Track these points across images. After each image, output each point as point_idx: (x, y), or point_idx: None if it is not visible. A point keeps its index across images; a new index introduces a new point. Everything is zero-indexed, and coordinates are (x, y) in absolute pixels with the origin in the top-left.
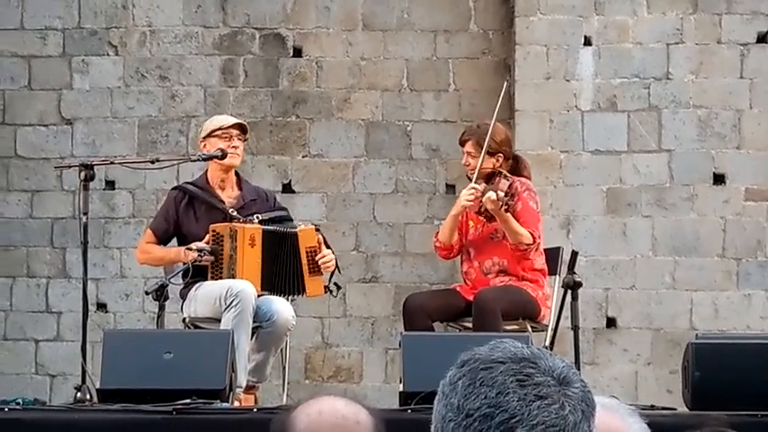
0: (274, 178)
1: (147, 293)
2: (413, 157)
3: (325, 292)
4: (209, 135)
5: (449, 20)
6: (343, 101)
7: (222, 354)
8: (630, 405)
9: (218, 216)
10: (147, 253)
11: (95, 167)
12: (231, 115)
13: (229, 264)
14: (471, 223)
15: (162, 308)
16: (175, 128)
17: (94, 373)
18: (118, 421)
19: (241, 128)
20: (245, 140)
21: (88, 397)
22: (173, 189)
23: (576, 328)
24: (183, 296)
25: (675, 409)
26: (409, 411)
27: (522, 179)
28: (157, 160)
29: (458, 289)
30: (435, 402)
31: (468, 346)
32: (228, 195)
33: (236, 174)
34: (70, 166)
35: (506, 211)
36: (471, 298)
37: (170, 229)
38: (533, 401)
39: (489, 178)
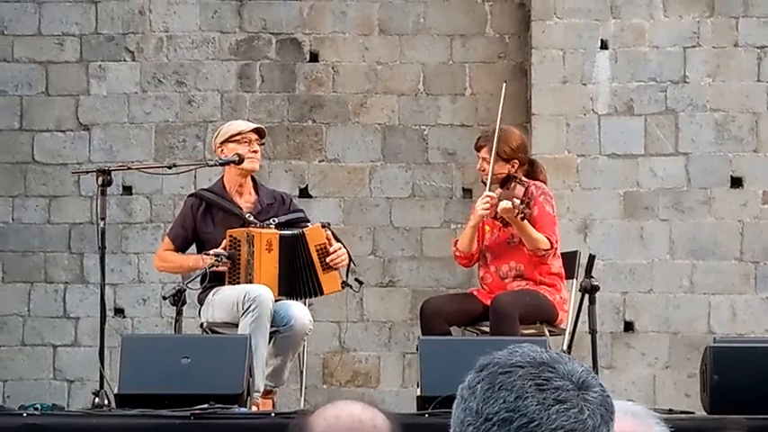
0: (291, 183)
1: (164, 298)
2: (429, 162)
3: (344, 288)
4: (228, 140)
5: (465, 24)
6: (360, 105)
7: (240, 358)
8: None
9: (236, 222)
10: (165, 261)
11: (113, 173)
12: (248, 120)
13: (247, 269)
14: (487, 228)
15: (179, 313)
16: (192, 133)
17: (112, 378)
18: (136, 426)
19: (259, 132)
20: (262, 144)
21: (106, 402)
22: (189, 196)
23: (593, 332)
24: (201, 301)
25: (694, 413)
26: (427, 416)
27: (538, 183)
28: (174, 165)
29: (475, 293)
30: (454, 407)
31: (486, 350)
32: (246, 200)
33: (253, 178)
34: (88, 172)
35: (522, 219)
36: (488, 302)
37: (188, 237)
38: (552, 406)
39: (504, 183)
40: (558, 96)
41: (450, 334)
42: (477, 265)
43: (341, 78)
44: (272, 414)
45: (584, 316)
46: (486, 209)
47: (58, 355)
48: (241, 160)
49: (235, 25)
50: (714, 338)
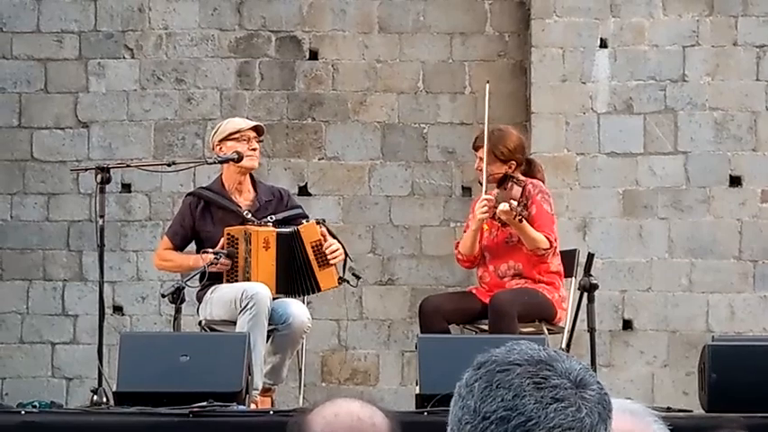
0: (290, 181)
1: (163, 296)
2: (429, 160)
3: (340, 283)
4: (226, 138)
5: (465, 22)
6: (359, 103)
7: (238, 356)
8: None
9: (235, 220)
10: (165, 260)
11: (112, 170)
12: (247, 118)
13: (244, 267)
14: (486, 227)
15: (178, 310)
16: (191, 131)
17: (111, 375)
18: (134, 424)
19: (257, 130)
20: (260, 142)
21: (105, 400)
22: (187, 195)
23: (592, 330)
24: (199, 299)
25: (692, 411)
26: (426, 414)
27: (535, 181)
28: (174, 163)
29: (474, 291)
30: (452, 405)
31: (485, 348)
32: (245, 198)
33: (251, 175)
34: (86, 169)
35: (520, 221)
36: (487, 300)
37: (187, 235)
38: (550, 404)
39: (501, 183)
40: (557, 95)
41: (449, 332)
42: None
43: (340, 76)
44: (271, 412)
45: (582, 314)
46: (485, 212)
47: (56, 353)
48: (240, 158)
49: (234, 23)
50: (712, 337)
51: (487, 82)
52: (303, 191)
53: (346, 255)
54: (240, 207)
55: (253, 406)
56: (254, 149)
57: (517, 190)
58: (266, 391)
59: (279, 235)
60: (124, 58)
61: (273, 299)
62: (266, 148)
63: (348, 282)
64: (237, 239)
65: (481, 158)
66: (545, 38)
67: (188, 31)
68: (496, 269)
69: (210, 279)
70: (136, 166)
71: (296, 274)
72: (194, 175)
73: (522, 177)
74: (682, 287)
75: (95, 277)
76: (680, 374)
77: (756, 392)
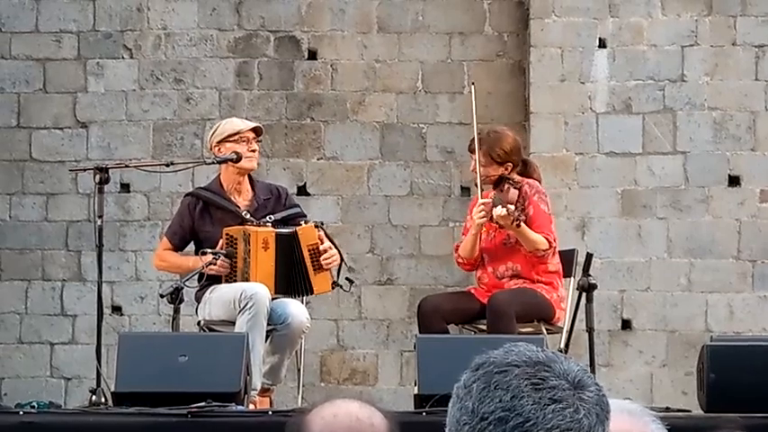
0: (289, 181)
1: (161, 296)
2: (428, 160)
3: (333, 288)
4: (225, 140)
5: (463, 22)
6: (358, 103)
7: (237, 356)
8: (646, 408)
9: (233, 220)
10: (164, 261)
11: (110, 170)
12: (246, 118)
13: (243, 267)
14: (484, 229)
15: (177, 311)
16: (190, 131)
17: (109, 376)
18: (133, 424)
19: (256, 131)
20: (259, 142)
21: (103, 400)
22: (186, 196)
23: (590, 330)
24: (198, 299)
25: (690, 412)
26: (424, 414)
27: (531, 181)
28: (172, 163)
29: (472, 291)
30: (450, 405)
31: (483, 348)
32: (243, 198)
33: (249, 175)
34: (85, 170)
35: (518, 225)
36: (486, 300)
37: (186, 236)
38: (548, 405)
39: (496, 184)
40: (556, 95)
41: (447, 332)
42: None
43: (339, 76)
44: (270, 412)
45: (581, 314)
46: (482, 216)
47: (55, 353)
48: (239, 158)
49: (233, 23)
50: (711, 337)
51: (473, 84)
52: (302, 191)
53: (342, 260)
54: (239, 207)
55: (251, 406)
56: (253, 151)
57: (514, 193)
58: (265, 392)
59: (278, 235)
60: (123, 58)
61: (272, 299)
62: (265, 147)
63: (341, 287)
64: (236, 240)
65: (476, 161)
66: (544, 38)
67: (187, 31)
68: (495, 270)
69: (209, 279)
70: (135, 167)
71: (292, 274)
72: (193, 175)
73: (518, 178)
74: (680, 287)
75: (94, 277)
76: (679, 374)
77: (755, 392)
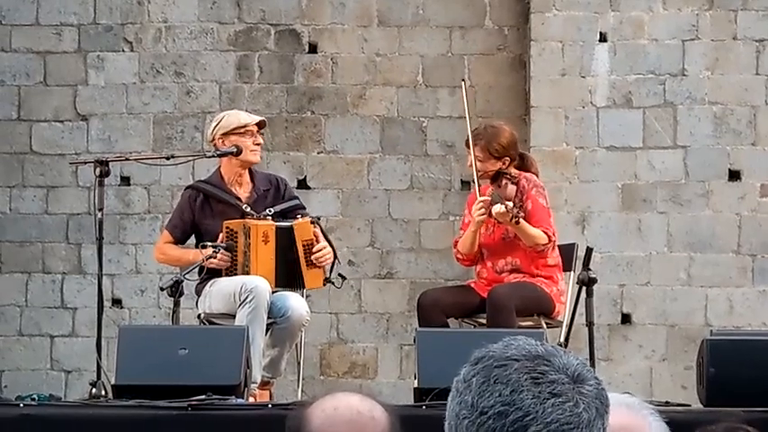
0: (289, 174)
1: (161, 289)
2: (428, 154)
3: (325, 284)
4: (230, 132)
5: (464, 16)
6: (359, 97)
7: (237, 350)
8: (645, 401)
9: (234, 213)
10: (165, 254)
11: (111, 163)
12: (246, 111)
13: (243, 261)
14: (482, 224)
15: (177, 304)
16: (191, 124)
17: (110, 368)
18: (133, 417)
19: (260, 124)
20: (262, 135)
21: (103, 393)
22: (186, 188)
23: (590, 324)
24: (198, 292)
25: (690, 406)
26: (424, 408)
27: (528, 175)
28: (173, 156)
29: (472, 285)
30: (449, 399)
31: (483, 342)
32: (244, 190)
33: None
34: (86, 162)
35: (517, 222)
36: (485, 294)
37: (187, 229)
38: (547, 399)
39: (494, 179)
40: (556, 89)
41: (447, 326)
42: None
43: (340, 70)
44: (270, 405)
45: (581, 308)
46: (482, 213)
47: (55, 346)
48: (239, 151)
49: (233, 16)
50: (711, 331)
51: (463, 80)
52: (302, 184)
53: (336, 258)
54: (240, 200)
55: (251, 399)
56: (258, 144)
57: (512, 188)
58: (265, 385)
59: (278, 229)
60: (123, 51)
61: (272, 292)
62: (265, 141)
63: (333, 283)
64: (236, 233)
65: (475, 156)
66: (544, 32)
67: (187, 25)
68: (494, 265)
69: (210, 273)
70: (135, 160)
71: (288, 268)
72: (193, 168)
73: (515, 172)
74: (680, 281)
75: (94, 270)
76: (678, 368)
77: (755, 387)
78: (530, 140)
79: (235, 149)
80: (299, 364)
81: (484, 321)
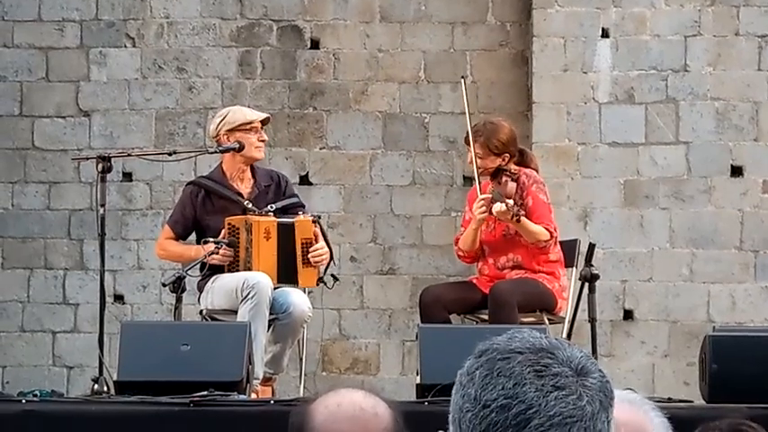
0: (292, 170)
1: (164, 285)
2: (430, 149)
3: (318, 284)
4: (236, 129)
5: (466, 12)
6: (361, 93)
7: (239, 346)
8: (647, 398)
9: (236, 209)
10: (166, 250)
11: (113, 159)
12: (248, 107)
13: (245, 257)
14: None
15: (179, 299)
16: (193, 120)
17: (112, 364)
18: (135, 413)
19: (266, 121)
20: (266, 132)
21: (105, 389)
22: (188, 184)
23: (593, 320)
24: (200, 288)
25: (692, 402)
26: (426, 404)
27: (528, 171)
28: (175, 152)
29: (474, 281)
30: (453, 392)
31: (485, 338)
32: (245, 186)
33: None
34: (88, 158)
35: (518, 220)
36: (487, 290)
37: (188, 225)
38: (551, 392)
39: (494, 176)
40: (558, 84)
41: (449, 322)
42: None
43: (342, 66)
44: (272, 401)
45: (583, 304)
46: (483, 211)
47: (57, 342)
48: (242, 147)
49: (236, 12)
50: (713, 327)
51: (462, 77)
52: (304, 180)
53: (331, 259)
54: (241, 196)
55: (253, 395)
56: (262, 141)
57: (512, 186)
58: (267, 381)
59: (279, 225)
60: (125, 46)
61: (274, 288)
62: (267, 137)
63: (325, 284)
64: (238, 229)
65: (475, 153)
66: (546, 27)
67: (189, 20)
68: (496, 262)
69: (212, 269)
70: (137, 155)
71: (284, 263)
72: (195, 164)
73: (515, 169)
74: (683, 277)
75: (96, 266)
76: (681, 365)
77: (757, 383)
78: (532, 136)
79: (237, 145)
80: (301, 360)
81: (486, 317)
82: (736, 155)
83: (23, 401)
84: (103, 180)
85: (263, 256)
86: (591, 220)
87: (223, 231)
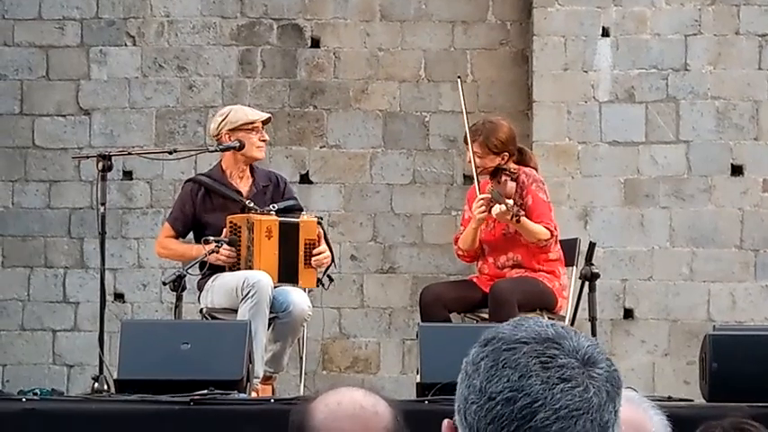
0: (292, 169)
1: (164, 284)
2: (430, 148)
3: (317, 286)
4: (238, 128)
5: (467, 10)
6: (361, 91)
7: (239, 344)
8: (647, 396)
9: (235, 207)
10: (167, 248)
11: (113, 158)
12: (248, 106)
13: (247, 255)
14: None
15: (179, 298)
16: (193, 118)
17: (112, 363)
18: (135, 412)
19: (267, 121)
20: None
21: (105, 387)
22: (187, 181)
23: (593, 319)
24: (201, 287)
25: (693, 401)
26: (426, 402)
27: (527, 170)
28: (175, 151)
29: (474, 280)
30: (459, 382)
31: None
32: (244, 184)
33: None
34: (88, 157)
35: (518, 221)
36: (488, 289)
37: (188, 222)
38: (557, 384)
39: (493, 175)
40: (559, 83)
41: (449, 321)
42: None
43: (342, 64)
44: (272, 400)
45: (584, 303)
46: (483, 211)
47: (57, 340)
48: (242, 146)
49: (236, 10)
50: (713, 326)
51: (458, 77)
52: (304, 179)
53: (333, 262)
54: (240, 194)
55: (254, 394)
56: (263, 140)
57: (511, 185)
58: (267, 380)
59: (281, 224)
60: (126, 45)
61: (274, 287)
62: (268, 135)
63: (323, 285)
64: (240, 227)
65: (474, 152)
66: (547, 26)
67: (190, 19)
68: (496, 261)
69: (212, 267)
70: (137, 154)
71: (285, 262)
72: (196, 162)
73: (514, 167)
74: (683, 276)
75: (96, 264)
76: (681, 364)
77: (757, 382)
78: (532, 135)
79: (237, 144)
80: (301, 358)
81: (486, 316)
82: (737, 154)
83: (24, 400)
84: (104, 179)
85: (264, 254)
86: (591, 218)
87: (225, 230)
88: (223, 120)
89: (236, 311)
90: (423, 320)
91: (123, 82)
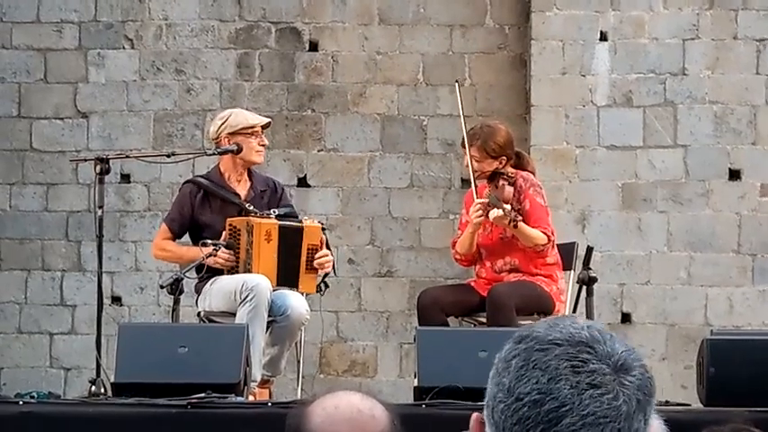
0: (290, 172)
1: (161, 287)
2: (428, 152)
3: (317, 292)
4: (238, 132)
5: (465, 14)
6: (359, 95)
7: (237, 348)
8: None
9: (233, 210)
10: (164, 250)
11: (111, 161)
12: (246, 109)
13: (246, 258)
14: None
15: (177, 301)
16: (191, 121)
17: (109, 366)
18: (132, 415)
19: (266, 125)
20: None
21: (103, 390)
22: (185, 183)
23: None
24: (198, 290)
25: (690, 405)
26: (424, 406)
27: (525, 174)
28: (173, 154)
29: (472, 284)
30: (490, 377)
31: (483, 341)
32: (242, 188)
33: None
34: (86, 160)
35: (515, 226)
36: (485, 293)
37: (185, 223)
38: (585, 390)
39: (491, 179)
40: (557, 88)
41: (447, 324)
42: None
43: (340, 68)
44: (269, 404)
45: (581, 307)
46: (480, 215)
47: (54, 343)
48: (240, 150)
49: (234, 14)
50: (711, 331)
51: (456, 81)
52: (302, 182)
53: (333, 269)
54: (240, 197)
55: (251, 397)
56: (263, 145)
57: (509, 190)
58: (264, 383)
59: (281, 228)
60: (124, 48)
61: (273, 291)
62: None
63: (320, 290)
64: (239, 230)
65: (472, 156)
66: (545, 30)
67: (188, 22)
68: (493, 265)
69: (210, 271)
70: (135, 157)
71: (285, 266)
72: (193, 165)
73: (512, 171)
74: (680, 281)
75: (94, 267)
76: (678, 368)
77: (755, 386)
78: (530, 139)
79: (235, 147)
80: (298, 362)
81: (484, 320)
82: (734, 158)
83: (21, 403)
84: (101, 182)
85: (263, 258)
86: (589, 223)
87: (224, 233)
88: (223, 123)
89: (234, 315)
90: (420, 324)
91: (121, 85)
